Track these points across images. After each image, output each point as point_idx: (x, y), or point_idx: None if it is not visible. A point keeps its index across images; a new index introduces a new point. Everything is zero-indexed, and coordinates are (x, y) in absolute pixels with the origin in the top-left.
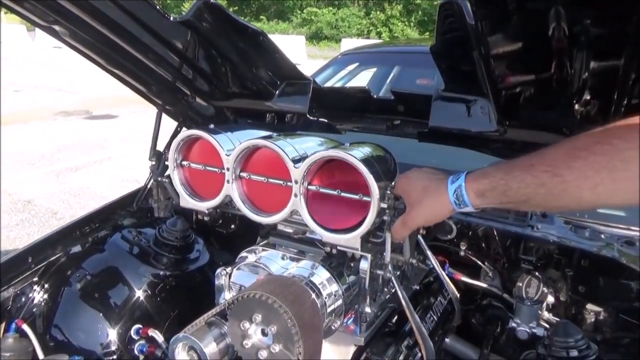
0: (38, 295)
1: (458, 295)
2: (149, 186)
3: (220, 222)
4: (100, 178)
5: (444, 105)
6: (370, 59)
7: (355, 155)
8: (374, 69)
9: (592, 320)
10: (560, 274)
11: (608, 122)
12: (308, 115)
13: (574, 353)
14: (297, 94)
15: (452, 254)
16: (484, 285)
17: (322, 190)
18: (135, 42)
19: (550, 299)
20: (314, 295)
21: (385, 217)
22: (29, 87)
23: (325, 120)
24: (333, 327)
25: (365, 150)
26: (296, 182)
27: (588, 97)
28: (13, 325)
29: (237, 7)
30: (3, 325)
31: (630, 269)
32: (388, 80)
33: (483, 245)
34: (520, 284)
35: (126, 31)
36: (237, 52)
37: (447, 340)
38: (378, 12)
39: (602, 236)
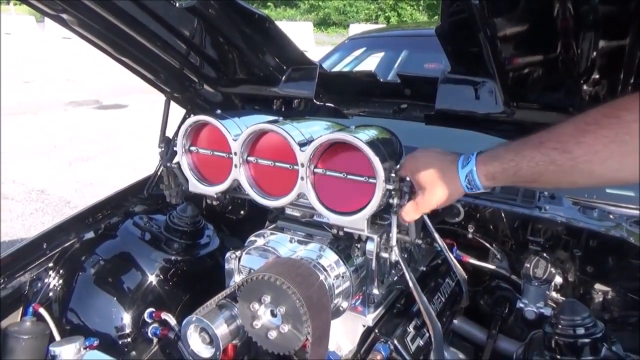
0: (53, 281)
1: (466, 277)
2: (159, 173)
3: (230, 208)
4: (111, 167)
5: (450, 88)
6: (378, 43)
7: (361, 137)
8: (382, 54)
9: (600, 299)
10: (569, 255)
11: None
12: (315, 100)
13: (581, 331)
14: (304, 79)
15: (460, 236)
16: (492, 267)
17: (328, 173)
18: (142, 30)
19: (558, 279)
20: (322, 277)
21: (391, 200)
22: (38, 77)
23: (332, 105)
24: (341, 308)
25: (370, 133)
26: (302, 165)
27: (595, 77)
28: (30, 309)
29: None
30: (21, 309)
31: (639, 248)
32: (396, 65)
33: (491, 227)
34: (528, 265)
35: (133, 19)
36: (243, 38)
37: (455, 321)
38: None
39: (611, 216)
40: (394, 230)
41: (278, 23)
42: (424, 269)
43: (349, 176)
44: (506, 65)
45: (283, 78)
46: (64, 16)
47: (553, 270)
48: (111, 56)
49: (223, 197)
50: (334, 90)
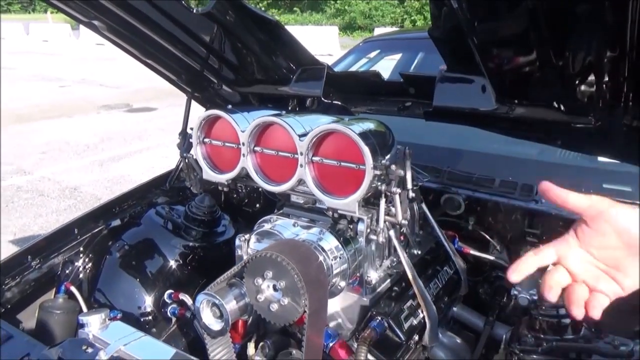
0: (83, 263)
1: (465, 266)
2: (179, 167)
3: (246, 201)
4: (139, 167)
5: (447, 85)
6: (393, 45)
7: (353, 128)
8: (396, 56)
9: None
10: None
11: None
12: (323, 99)
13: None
14: (312, 79)
15: (461, 228)
16: (492, 258)
17: (324, 161)
18: (165, 35)
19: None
20: (321, 258)
21: (379, 185)
22: (73, 82)
23: (340, 103)
24: (339, 287)
25: (363, 125)
26: (301, 153)
27: (591, 78)
28: (62, 288)
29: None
30: (54, 289)
31: None
32: (412, 67)
33: (490, 219)
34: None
35: (157, 25)
36: (256, 41)
37: (454, 309)
38: (412, 0)
39: None
40: (382, 212)
41: (304, 28)
42: (419, 252)
43: (342, 164)
44: (495, 64)
45: (293, 78)
46: (96, 22)
47: None
48: (137, 59)
49: (233, 185)
50: (341, 89)
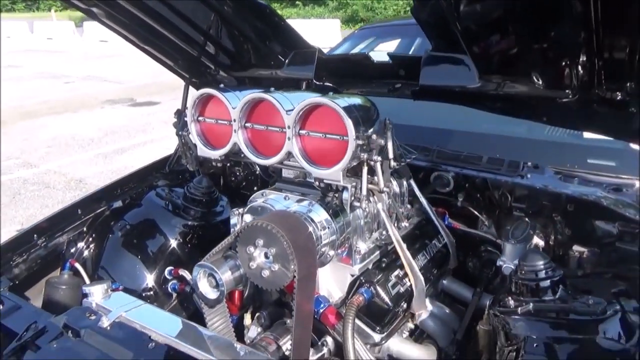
0: (87, 242)
1: (454, 241)
2: (178, 152)
3: (244, 184)
4: (143, 158)
5: (432, 65)
6: (388, 32)
7: (338, 102)
8: (390, 42)
9: (576, 258)
10: (549, 219)
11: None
12: (315, 81)
13: (542, 274)
14: (304, 62)
15: (451, 205)
16: (480, 232)
17: (311, 134)
18: (163, 21)
19: (539, 241)
20: (310, 228)
21: (362, 154)
22: (78, 79)
23: (332, 85)
24: (328, 256)
25: (348, 99)
26: (289, 127)
27: (557, 53)
28: (67, 265)
29: None
30: (59, 268)
31: (614, 212)
32: (410, 52)
33: (479, 195)
34: (509, 227)
35: (155, 11)
36: (250, 27)
37: (444, 281)
38: None
39: (591, 184)
40: (364, 179)
41: (306, 21)
42: (407, 224)
43: (327, 136)
44: (476, 45)
45: (286, 61)
46: (95, 10)
47: (531, 232)
48: (137, 46)
49: (226, 160)
50: (334, 72)
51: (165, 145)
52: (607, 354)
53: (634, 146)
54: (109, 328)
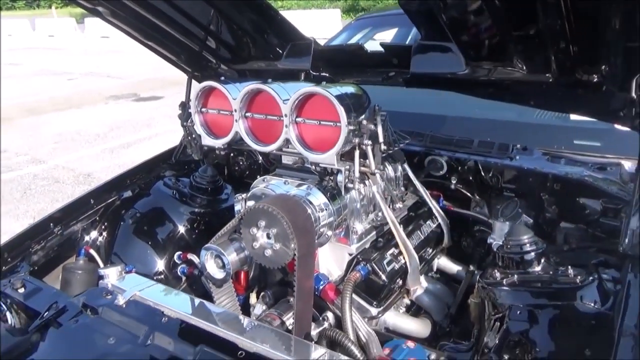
0: (100, 230)
1: (448, 221)
2: (184, 144)
3: (247, 173)
4: (149, 152)
5: (422, 54)
6: (385, 21)
7: (331, 91)
8: (388, 32)
9: (563, 235)
10: (538, 198)
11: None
12: (311, 72)
13: (526, 248)
14: (301, 53)
15: (445, 188)
16: (473, 213)
17: (306, 121)
18: (165, 18)
19: (528, 219)
20: (309, 210)
21: (354, 139)
22: (81, 75)
23: (328, 75)
24: (326, 236)
25: (341, 88)
26: (286, 115)
27: (536, 39)
28: (82, 251)
29: None
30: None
31: (598, 190)
32: (408, 41)
33: (471, 178)
34: (499, 206)
35: (157, 8)
36: (248, 21)
37: (439, 260)
38: None
39: (577, 163)
40: (357, 162)
41: (306, 12)
42: (401, 206)
43: (322, 123)
44: (462, 33)
45: (284, 54)
46: (100, 9)
47: (520, 210)
48: (140, 42)
49: (229, 148)
50: (329, 63)
51: (170, 138)
52: (584, 317)
53: (618, 127)
54: (124, 306)
